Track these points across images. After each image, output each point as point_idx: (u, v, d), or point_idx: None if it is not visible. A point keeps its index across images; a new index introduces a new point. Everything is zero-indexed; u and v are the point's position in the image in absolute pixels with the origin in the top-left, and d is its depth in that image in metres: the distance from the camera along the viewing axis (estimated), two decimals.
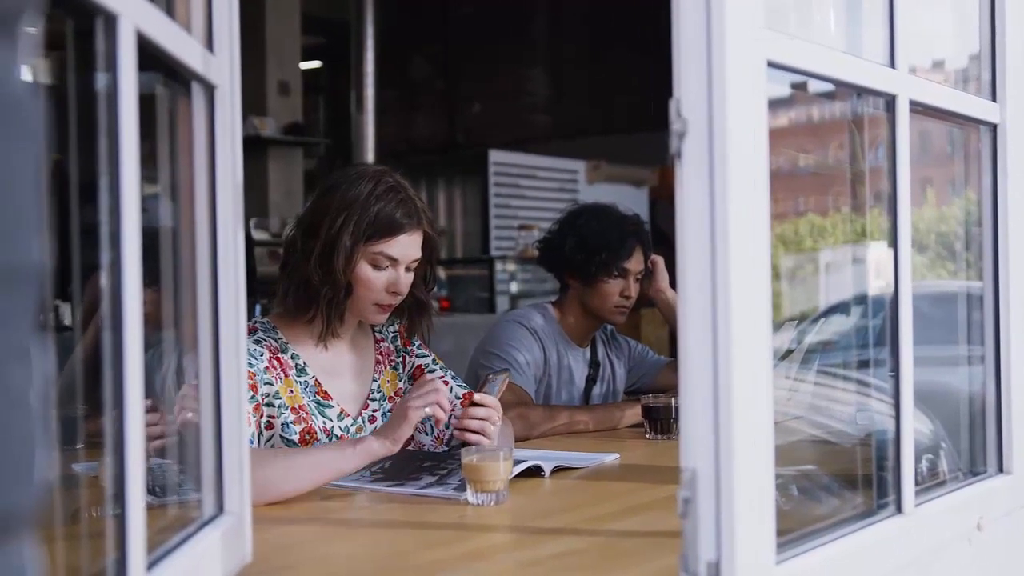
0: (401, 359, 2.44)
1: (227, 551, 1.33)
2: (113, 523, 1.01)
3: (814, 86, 1.57)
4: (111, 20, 0.99)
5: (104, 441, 1.03)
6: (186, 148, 1.34)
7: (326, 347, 2.30)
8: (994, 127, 1.80)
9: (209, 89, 1.35)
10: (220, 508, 1.37)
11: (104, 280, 1.00)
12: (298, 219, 2.29)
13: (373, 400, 2.36)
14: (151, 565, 1.08)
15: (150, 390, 1.06)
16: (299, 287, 2.22)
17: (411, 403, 2.00)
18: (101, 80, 1.01)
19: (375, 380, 2.37)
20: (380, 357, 2.40)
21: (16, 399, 0.53)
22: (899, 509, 1.50)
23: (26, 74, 0.58)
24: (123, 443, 0.99)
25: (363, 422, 2.31)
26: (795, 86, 1.47)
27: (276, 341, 2.24)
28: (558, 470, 2.19)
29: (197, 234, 1.34)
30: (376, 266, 2.21)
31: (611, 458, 2.37)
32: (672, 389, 2.95)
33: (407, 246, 2.23)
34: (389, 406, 2.37)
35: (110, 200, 0.99)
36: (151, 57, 1.10)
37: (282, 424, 2.17)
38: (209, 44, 1.35)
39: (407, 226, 2.21)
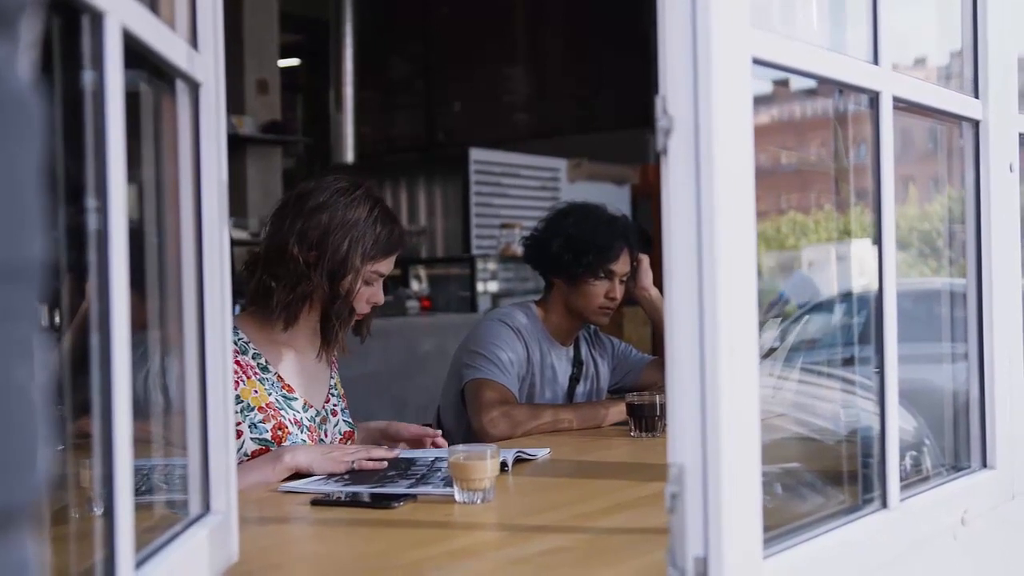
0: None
1: (214, 550, 1.33)
2: (100, 522, 1.00)
3: (795, 84, 1.57)
4: (97, 18, 0.98)
5: (86, 442, 1.03)
6: (170, 146, 1.33)
7: (294, 349, 2.35)
8: (976, 123, 1.81)
9: (194, 87, 1.34)
10: (207, 507, 1.36)
11: (90, 281, 0.99)
12: (292, 231, 2.25)
13: (333, 395, 2.45)
14: (139, 564, 1.07)
15: (134, 391, 1.05)
16: (300, 300, 2.25)
17: (347, 458, 2.14)
18: (87, 77, 1.00)
19: (332, 377, 2.46)
20: (333, 358, 2.48)
21: (19, 394, 0.53)
22: (884, 504, 1.51)
23: (26, 71, 0.58)
24: (111, 444, 0.99)
25: (327, 413, 2.40)
26: (777, 83, 1.47)
27: (236, 343, 2.24)
28: (518, 462, 2.24)
29: (182, 233, 1.34)
30: (368, 283, 2.30)
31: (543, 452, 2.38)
32: (656, 387, 2.96)
33: (393, 262, 2.35)
34: (344, 403, 2.48)
35: (97, 199, 0.99)
36: (134, 54, 1.10)
37: (250, 426, 2.19)
38: (194, 41, 1.34)
39: (400, 246, 2.33)
